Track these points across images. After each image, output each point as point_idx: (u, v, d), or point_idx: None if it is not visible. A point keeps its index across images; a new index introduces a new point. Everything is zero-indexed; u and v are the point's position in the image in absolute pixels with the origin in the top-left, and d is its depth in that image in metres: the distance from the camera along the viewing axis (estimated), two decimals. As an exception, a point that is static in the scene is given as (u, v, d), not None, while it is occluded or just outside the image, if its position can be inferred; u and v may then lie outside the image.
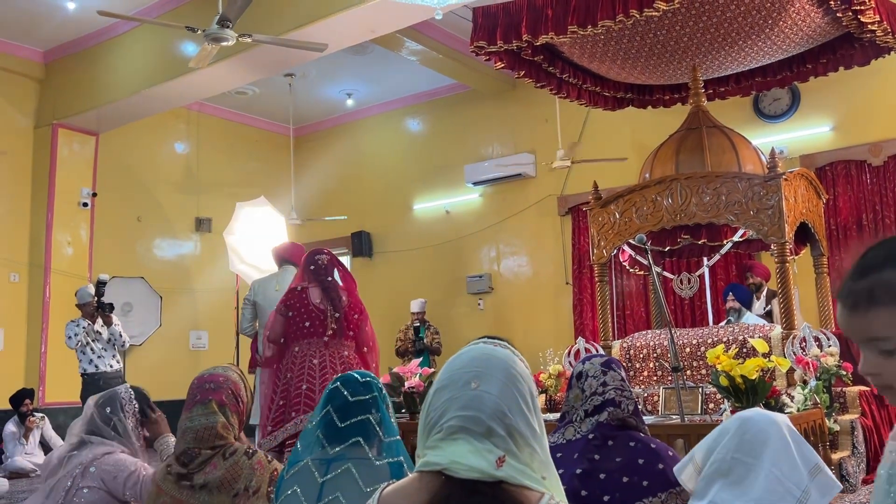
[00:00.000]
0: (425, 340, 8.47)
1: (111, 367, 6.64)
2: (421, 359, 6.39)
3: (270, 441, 4.35)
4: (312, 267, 4.66)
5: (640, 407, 4.75)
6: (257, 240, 7.83)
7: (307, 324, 4.52)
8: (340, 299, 4.56)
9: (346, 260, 10.76)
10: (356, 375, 1.80)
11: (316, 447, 1.71)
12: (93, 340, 6.58)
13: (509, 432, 1.22)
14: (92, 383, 6.46)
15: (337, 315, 4.53)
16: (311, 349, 4.48)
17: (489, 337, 1.43)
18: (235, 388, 2.32)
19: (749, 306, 6.58)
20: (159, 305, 8.96)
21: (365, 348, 4.65)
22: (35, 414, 7.31)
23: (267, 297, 5.87)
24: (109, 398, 2.68)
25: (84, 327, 6.57)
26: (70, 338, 6.55)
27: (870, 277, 1.00)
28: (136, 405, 2.69)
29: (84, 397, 6.45)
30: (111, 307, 6.68)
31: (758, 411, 1.60)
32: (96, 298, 6.63)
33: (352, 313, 4.56)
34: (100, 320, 6.64)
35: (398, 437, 1.75)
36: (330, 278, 4.61)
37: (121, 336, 6.72)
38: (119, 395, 2.69)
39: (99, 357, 6.59)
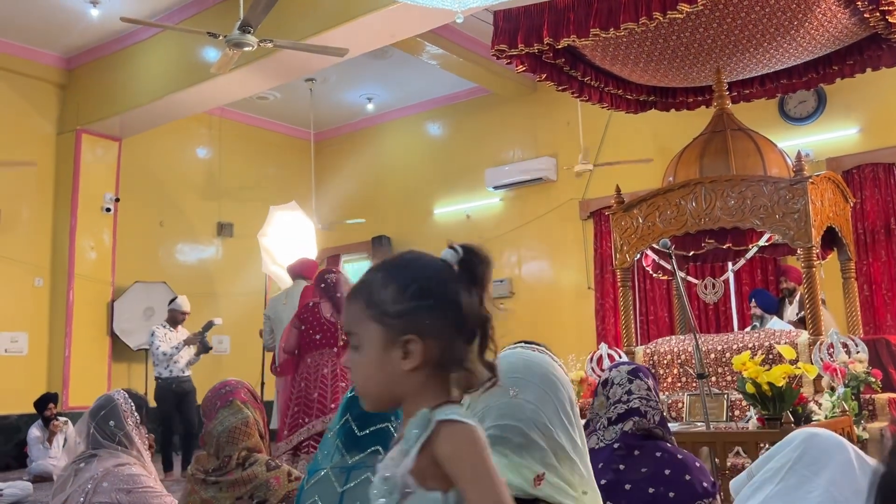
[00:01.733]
0: None
1: (183, 372, 7.48)
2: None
3: (286, 444, 4.74)
4: (323, 285, 5.15)
5: (665, 415, 4.70)
6: (288, 243, 7.91)
7: (318, 336, 5.01)
8: None
9: (366, 265, 10.76)
10: None
11: (336, 456, 1.70)
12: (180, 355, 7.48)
13: (549, 444, 1.18)
14: (168, 388, 7.35)
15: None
16: (322, 359, 4.96)
17: (525, 342, 1.39)
18: (250, 388, 2.33)
19: (774, 312, 6.50)
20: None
21: None
22: (59, 418, 7.39)
23: (276, 312, 6.40)
24: (110, 410, 2.47)
25: (168, 337, 7.45)
26: (156, 345, 7.36)
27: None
28: (137, 415, 2.53)
29: (158, 400, 7.31)
30: (209, 349, 7.66)
31: (827, 432, 1.56)
32: (203, 335, 7.53)
33: None
34: (187, 350, 7.50)
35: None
36: (339, 294, 5.03)
37: (193, 363, 7.61)
38: (119, 406, 2.49)
39: (176, 363, 7.46)
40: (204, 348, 7.56)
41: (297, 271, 6.50)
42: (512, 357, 1.31)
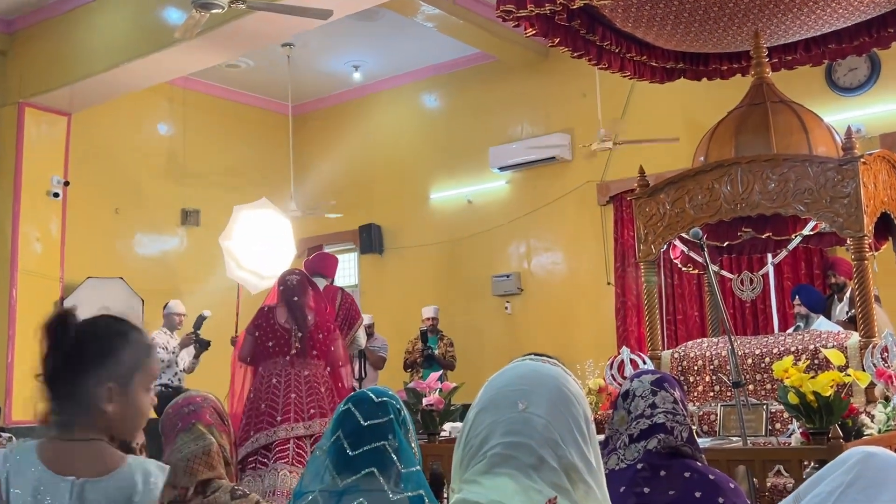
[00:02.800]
0: (436, 351, 8.43)
1: (179, 380, 7.83)
2: (441, 373, 6.39)
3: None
4: (282, 287, 5.44)
5: (694, 428, 4.73)
6: (258, 244, 7.94)
7: (271, 343, 5.31)
8: (305, 319, 5.31)
9: (352, 257, 10.82)
10: (371, 394, 1.78)
11: (325, 477, 1.71)
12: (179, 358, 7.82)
13: (562, 465, 1.19)
14: (172, 397, 7.20)
15: (300, 335, 5.26)
16: (274, 368, 5.26)
17: (536, 354, 1.41)
18: (217, 407, 2.33)
19: (820, 311, 6.52)
20: (141, 310, 9.01)
21: (339, 368, 5.43)
22: (1, 434, 7.40)
23: None
24: None
25: (169, 344, 7.82)
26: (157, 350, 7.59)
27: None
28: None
29: (159, 412, 7.13)
30: (207, 344, 7.81)
31: (885, 450, 1.57)
32: (196, 333, 7.76)
33: (316, 333, 5.31)
34: (186, 352, 7.83)
35: (419, 466, 1.74)
36: (296, 298, 5.36)
37: (195, 366, 7.92)
38: None
39: (182, 371, 7.86)
40: (202, 346, 7.83)
41: (315, 268, 6.68)
42: (521, 367, 1.32)
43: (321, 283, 6.58)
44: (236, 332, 7.23)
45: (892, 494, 1.48)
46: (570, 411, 1.24)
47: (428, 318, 8.54)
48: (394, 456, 1.69)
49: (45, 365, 1.72)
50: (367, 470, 1.68)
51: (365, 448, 1.70)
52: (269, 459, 5.12)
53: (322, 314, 5.46)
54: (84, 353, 1.70)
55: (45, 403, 1.70)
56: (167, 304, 8.18)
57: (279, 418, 5.14)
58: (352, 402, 1.79)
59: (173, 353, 7.84)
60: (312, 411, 5.23)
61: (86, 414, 1.67)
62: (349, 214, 10.19)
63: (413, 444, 1.78)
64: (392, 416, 1.75)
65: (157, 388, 7.67)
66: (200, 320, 7.88)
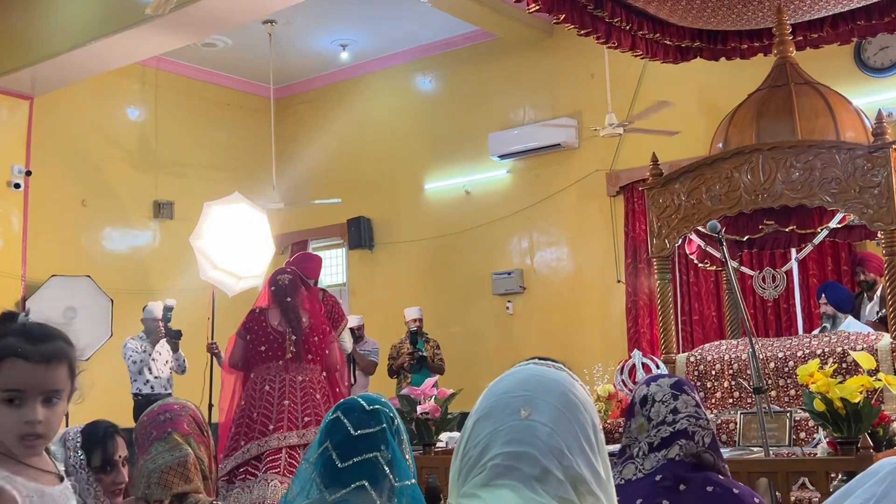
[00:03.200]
0: (426, 354, 8.41)
1: (165, 389, 7.88)
2: (436, 378, 6.40)
3: (220, 469, 5.08)
4: (273, 287, 5.59)
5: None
6: (233, 242, 7.96)
7: (263, 348, 5.43)
8: (299, 321, 5.45)
9: (340, 253, 10.82)
10: (362, 402, 1.78)
11: (312, 491, 1.71)
12: (152, 360, 7.89)
13: (567, 476, 1.20)
14: (147, 405, 7.03)
15: (294, 338, 5.40)
16: (268, 374, 5.38)
17: (539, 358, 1.42)
18: (196, 416, 2.32)
19: (849, 311, 6.53)
20: (109, 310, 9.01)
21: (336, 373, 5.58)
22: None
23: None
24: None
25: (143, 347, 7.89)
26: (128, 356, 7.82)
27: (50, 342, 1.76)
28: (83, 455, 2.49)
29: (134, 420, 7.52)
30: (178, 334, 7.91)
31: None
32: (163, 323, 7.86)
33: (312, 336, 5.45)
34: (163, 344, 7.96)
35: (414, 480, 1.74)
36: (289, 299, 5.51)
37: (184, 363, 8.03)
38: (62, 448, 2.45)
39: (156, 378, 7.91)
40: (173, 336, 7.89)
41: (297, 270, 6.69)
42: (524, 372, 1.33)
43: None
44: (211, 337, 7.40)
45: None
46: (576, 419, 1.24)
47: (414, 320, 8.51)
48: (386, 468, 1.69)
49: None
50: (357, 483, 1.68)
51: (355, 460, 1.70)
52: (260, 470, 5.19)
53: (317, 316, 5.59)
54: None
55: None
56: (145, 306, 8.08)
57: (272, 427, 5.23)
58: (341, 410, 1.79)
59: (145, 351, 7.85)
60: (307, 419, 5.32)
61: None
62: (336, 207, 10.17)
63: (407, 456, 1.78)
64: (385, 425, 1.75)
65: (134, 397, 7.76)
66: (168, 310, 7.92)
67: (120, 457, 2.57)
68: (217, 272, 7.92)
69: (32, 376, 1.72)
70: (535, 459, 1.20)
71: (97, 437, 2.60)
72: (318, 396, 5.39)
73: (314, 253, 7.61)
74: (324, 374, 5.55)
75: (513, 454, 1.21)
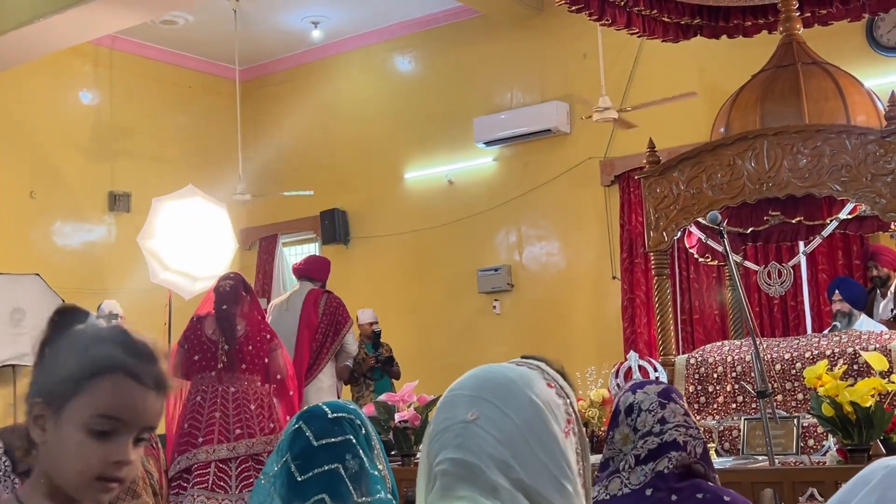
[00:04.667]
0: (392, 355, 8.33)
1: None
2: (415, 383, 6.38)
3: None
4: (214, 294, 5.87)
5: (714, 446, 4.75)
6: (188, 240, 7.98)
7: (197, 357, 5.73)
8: (233, 330, 5.72)
9: (313, 248, 10.80)
10: (326, 409, 1.78)
11: (271, 507, 1.71)
12: None
13: (519, 488, 1.20)
14: None
15: (227, 347, 5.68)
16: (201, 385, 5.68)
17: (525, 357, 1.43)
18: None
19: (863, 307, 6.57)
20: (61, 312, 8.96)
21: (287, 380, 5.88)
22: None
23: (277, 320, 7.08)
24: None
25: None
26: None
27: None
28: (7, 461, 2.44)
29: None
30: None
31: None
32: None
33: (246, 345, 5.71)
34: None
35: (386, 494, 1.74)
36: (225, 306, 5.77)
37: None
38: None
39: None
40: None
41: (303, 271, 7.35)
42: (488, 370, 1.34)
43: (307, 286, 7.29)
44: (169, 342, 7.37)
45: None
46: (529, 426, 1.25)
47: (372, 322, 8.44)
48: (348, 482, 1.69)
49: None
50: (316, 497, 1.68)
51: (315, 471, 1.70)
52: (189, 484, 5.43)
53: (255, 324, 5.87)
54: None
55: None
56: (100, 305, 8.08)
57: (201, 439, 5.49)
58: (303, 418, 1.79)
59: None
60: (238, 431, 5.55)
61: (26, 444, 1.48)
62: (308, 199, 10.14)
63: (381, 467, 1.78)
64: (350, 434, 1.75)
65: None
66: (112, 318, 7.75)
67: None
68: (169, 274, 7.93)
69: (138, 404, 1.42)
70: (481, 471, 1.21)
71: (26, 436, 2.52)
72: (251, 407, 5.64)
73: (322, 256, 7.83)
74: (267, 384, 5.84)
75: (458, 461, 1.22)
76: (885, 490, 1.53)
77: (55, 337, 1.46)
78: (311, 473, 1.69)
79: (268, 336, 5.90)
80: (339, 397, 6.96)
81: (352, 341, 7.38)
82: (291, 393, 5.93)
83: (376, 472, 1.76)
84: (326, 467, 1.69)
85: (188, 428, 5.55)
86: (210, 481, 5.41)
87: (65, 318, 1.50)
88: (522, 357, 1.45)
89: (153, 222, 8.11)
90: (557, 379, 1.37)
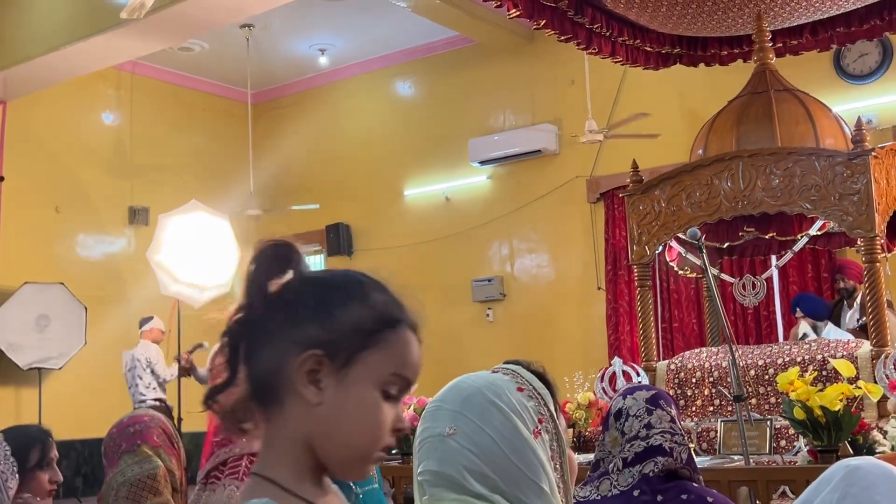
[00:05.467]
0: None
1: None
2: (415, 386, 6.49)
3: (199, 474, 5.58)
4: None
5: (693, 447, 4.74)
6: (194, 252, 7.99)
7: None
8: None
9: (319, 259, 10.78)
10: None
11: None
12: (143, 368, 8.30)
13: (498, 491, 1.21)
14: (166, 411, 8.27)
15: None
16: None
17: (513, 362, 1.44)
18: (166, 427, 2.31)
19: (826, 316, 6.57)
20: (84, 318, 8.94)
21: None
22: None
23: None
24: None
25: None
26: (154, 361, 8.27)
27: None
28: (14, 462, 2.37)
29: None
30: (198, 378, 8.19)
31: (870, 460, 1.58)
32: (189, 362, 8.14)
33: None
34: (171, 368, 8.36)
35: (376, 484, 1.75)
36: None
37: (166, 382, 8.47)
38: None
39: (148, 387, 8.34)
40: (191, 374, 8.21)
41: None
42: (455, 382, 1.36)
43: None
44: (179, 350, 7.76)
45: None
46: (501, 436, 1.26)
47: None
48: None
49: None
50: None
51: None
52: (223, 475, 5.58)
53: None
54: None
55: None
56: (150, 319, 8.53)
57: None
58: None
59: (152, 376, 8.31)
60: None
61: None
62: (315, 213, 10.14)
63: None
64: None
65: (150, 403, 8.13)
66: (199, 347, 8.09)
67: (54, 456, 2.50)
68: (179, 286, 7.94)
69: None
70: (459, 483, 1.23)
71: (32, 436, 2.52)
72: None
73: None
74: None
75: (437, 473, 1.25)
76: (846, 487, 1.53)
77: (284, 279, 1.16)
78: None
79: None
80: None
81: None
82: None
83: None
84: None
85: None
86: (241, 472, 5.65)
87: (284, 256, 1.18)
88: (504, 363, 1.46)
89: (160, 237, 8.13)
90: (531, 381, 1.37)
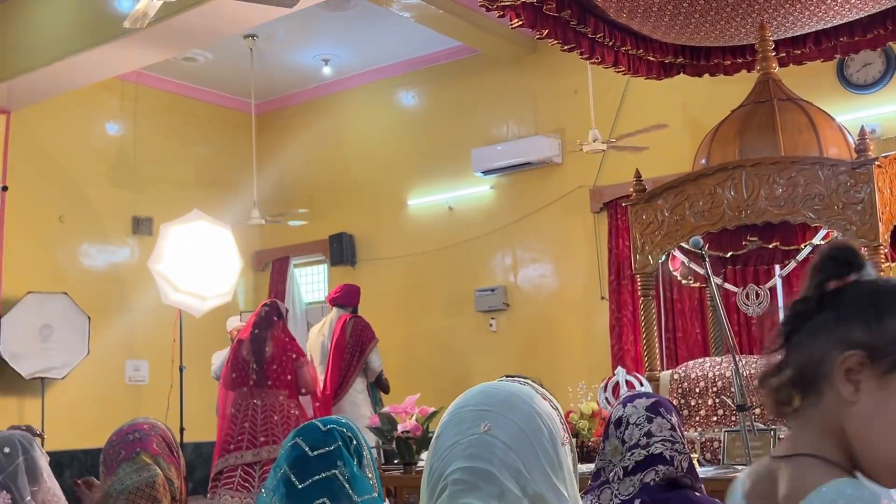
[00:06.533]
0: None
1: None
2: (418, 395, 6.46)
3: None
4: (253, 319, 6.48)
5: (697, 457, 4.72)
6: (195, 262, 8.00)
7: (234, 375, 6.27)
8: (262, 351, 6.24)
9: (322, 269, 10.78)
10: (318, 423, 1.83)
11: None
12: None
13: (527, 494, 1.21)
14: None
15: (255, 366, 6.21)
16: (237, 398, 6.21)
17: (509, 376, 1.43)
18: (166, 435, 2.30)
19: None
20: (87, 328, 8.94)
21: (303, 390, 6.37)
22: None
23: (313, 343, 7.70)
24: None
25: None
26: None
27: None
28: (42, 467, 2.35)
29: None
30: None
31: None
32: None
33: (271, 364, 6.22)
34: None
35: (374, 494, 1.76)
36: (257, 331, 6.33)
37: None
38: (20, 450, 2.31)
39: None
40: None
41: (335, 300, 7.77)
42: (485, 386, 1.35)
43: (339, 312, 7.65)
44: (181, 360, 7.97)
45: None
46: (535, 435, 1.26)
47: None
48: (346, 485, 1.71)
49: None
50: (318, 501, 1.70)
51: (314, 479, 1.72)
52: (219, 485, 5.98)
53: (281, 345, 6.36)
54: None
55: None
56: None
57: (232, 446, 6.00)
58: (298, 433, 1.84)
59: None
60: (263, 439, 6.02)
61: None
62: (318, 223, 10.15)
63: (370, 474, 1.81)
64: (340, 443, 1.78)
65: None
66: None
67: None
68: (180, 295, 7.95)
69: None
70: (493, 477, 1.21)
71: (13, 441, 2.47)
72: (275, 418, 6.12)
73: (353, 285, 8.16)
74: (294, 398, 6.34)
75: (471, 469, 1.22)
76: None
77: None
78: (309, 481, 1.72)
79: (293, 356, 6.35)
80: (375, 409, 7.20)
81: (374, 358, 7.62)
82: (317, 405, 6.50)
83: (368, 477, 1.79)
84: (324, 474, 1.72)
85: (225, 436, 6.08)
86: (236, 482, 5.85)
87: (846, 260, 1.24)
88: (506, 376, 1.45)
89: (162, 246, 8.14)
90: (549, 395, 1.37)
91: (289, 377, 6.25)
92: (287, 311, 7.01)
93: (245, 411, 6.12)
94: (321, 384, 7.16)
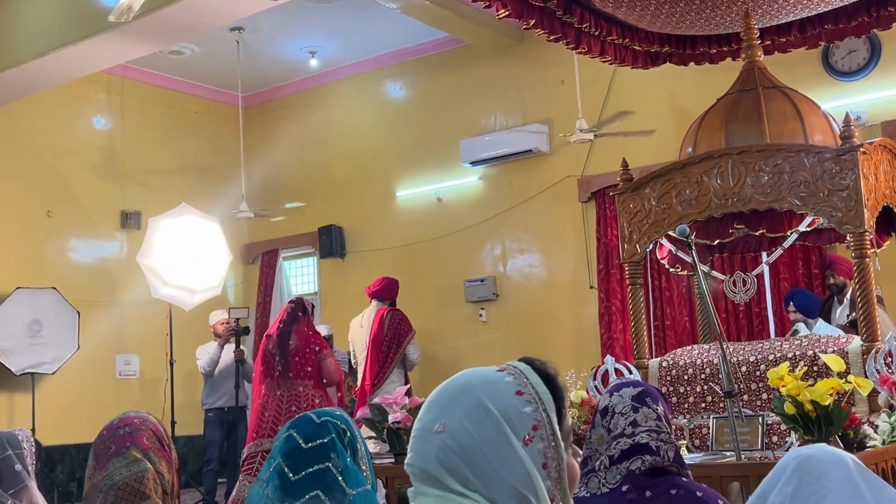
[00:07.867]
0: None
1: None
2: (408, 386, 6.54)
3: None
4: (282, 316, 6.77)
5: (685, 443, 4.75)
6: (184, 255, 7.99)
7: (262, 367, 6.59)
8: (286, 345, 6.52)
9: (311, 262, 10.78)
10: (312, 415, 1.82)
11: (267, 507, 1.73)
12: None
13: (478, 491, 1.22)
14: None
15: (279, 359, 6.50)
16: (264, 389, 6.53)
17: (524, 360, 1.43)
18: (157, 429, 2.30)
19: (818, 314, 6.59)
20: (76, 323, 8.92)
21: (324, 380, 6.60)
22: None
23: (353, 336, 8.19)
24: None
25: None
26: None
27: None
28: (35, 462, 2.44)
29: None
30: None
31: (822, 447, 1.59)
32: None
33: (294, 356, 6.51)
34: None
35: (368, 486, 1.76)
36: (282, 325, 6.63)
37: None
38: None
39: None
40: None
41: (374, 293, 8.07)
42: (454, 378, 1.36)
43: (377, 305, 8.00)
44: (171, 353, 8.11)
45: (838, 495, 1.50)
46: (490, 439, 1.25)
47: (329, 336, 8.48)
48: (339, 477, 1.71)
49: None
50: (311, 493, 1.70)
51: (308, 471, 1.72)
52: (242, 469, 6.36)
53: (304, 338, 6.61)
54: None
55: None
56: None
57: (256, 435, 6.39)
58: (292, 424, 1.84)
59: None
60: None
61: None
62: (307, 215, 10.14)
63: (364, 466, 1.81)
64: (334, 435, 1.78)
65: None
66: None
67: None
68: (169, 289, 7.96)
69: None
70: (438, 481, 1.23)
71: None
72: (294, 408, 6.30)
73: (390, 277, 8.40)
74: (318, 388, 6.58)
75: (419, 468, 1.26)
76: (800, 477, 1.54)
77: None
78: (303, 473, 1.71)
79: (316, 348, 6.62)
80: None
81: (412, 350, 7.96)
82: (339, 395, 6.77)
83: (362, 469, 1.79)
84: (317, 466, 1.72)
85: (254, 426, 6.46)
86: (254, 468, 6.15)
87: None
88: (520, 359, 1.44)
89: (150, 240, 8.13)
90: (534, 385, 1.35)
91: (309, 368, 6.52)
92: (313, 306, 7.16)
93: (270, 401, 6.42)
94: (360, 376, 7.65)
